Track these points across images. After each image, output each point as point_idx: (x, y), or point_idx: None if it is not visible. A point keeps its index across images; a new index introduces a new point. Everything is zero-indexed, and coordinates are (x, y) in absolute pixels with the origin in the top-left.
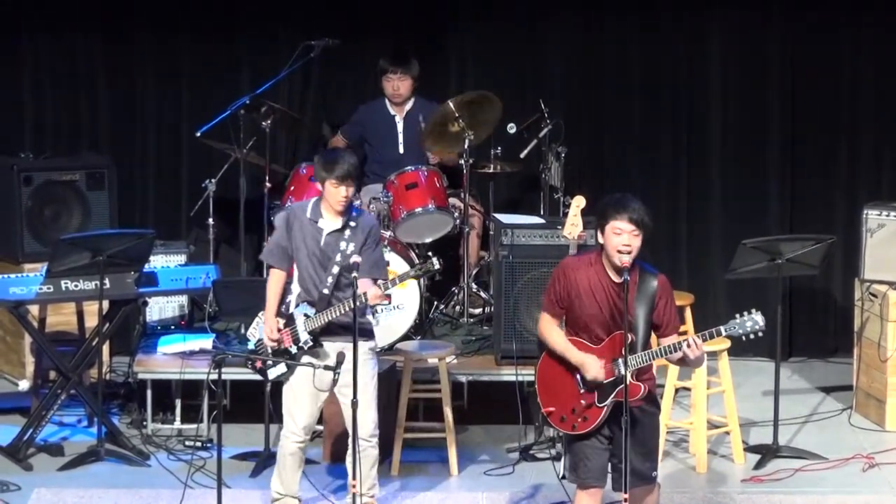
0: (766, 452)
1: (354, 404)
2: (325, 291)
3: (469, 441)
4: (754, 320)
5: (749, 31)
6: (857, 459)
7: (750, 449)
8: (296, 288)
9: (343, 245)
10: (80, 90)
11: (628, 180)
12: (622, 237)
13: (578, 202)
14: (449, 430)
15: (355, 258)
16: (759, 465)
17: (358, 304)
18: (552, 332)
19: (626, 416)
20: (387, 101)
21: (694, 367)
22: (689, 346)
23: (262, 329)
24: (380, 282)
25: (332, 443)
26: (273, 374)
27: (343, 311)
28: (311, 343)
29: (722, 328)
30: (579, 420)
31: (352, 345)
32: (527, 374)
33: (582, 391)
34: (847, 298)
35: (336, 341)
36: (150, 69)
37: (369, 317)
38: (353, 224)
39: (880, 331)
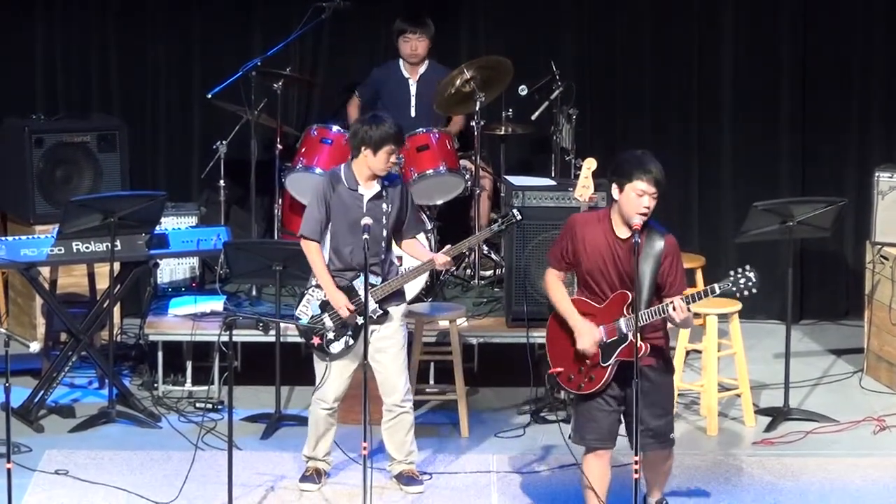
0: (777, 415)
1: (366, 366)
2: (383, 257)
3: (480, 403)
4: (748, 277)
5: None
6: (867, 422)
7: (761, 411)
8: (326, 257)
9: (385, 207)
10: (91, 52)
11: (639, 142)
12: (644, 199)
13: (590, 164)
14: (460, 392)
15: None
16: (769, 428)
17: (427, 269)
18: (556, 290)
19: (636, 377)
20: (401, 63)
21: (682, 328)
22: (673, 309)
23: (315, 305)
24: (448, 247)
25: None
26: (337, 347)
27: (408, 278)
28: (380, 312)
29: (717, 286)
30: (585, 380)
31: (393, 307)
32: (537, 335)
33: None
34: (858, 261)
35: (386, 307)
36: (162, 30)
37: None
38: (386, 183)
39: (891, 293)
